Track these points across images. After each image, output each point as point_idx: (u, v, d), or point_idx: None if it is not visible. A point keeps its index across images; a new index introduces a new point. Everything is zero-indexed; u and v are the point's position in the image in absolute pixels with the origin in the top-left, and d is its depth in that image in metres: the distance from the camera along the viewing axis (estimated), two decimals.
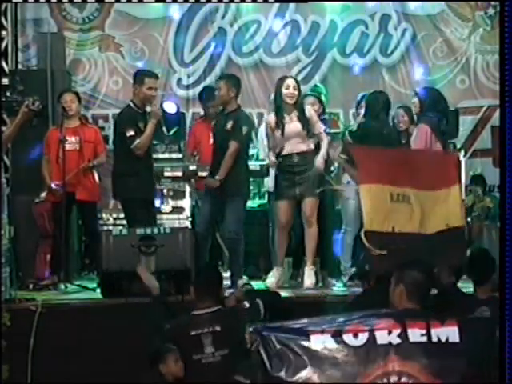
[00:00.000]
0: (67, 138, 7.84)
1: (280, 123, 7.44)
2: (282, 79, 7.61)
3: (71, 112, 8.01)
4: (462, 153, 8.57)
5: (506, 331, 4.50)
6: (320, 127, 7.60)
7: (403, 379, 4.43)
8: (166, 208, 8.81)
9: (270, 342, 4.57)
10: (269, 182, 8.33)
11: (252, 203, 8.88)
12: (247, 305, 5.75)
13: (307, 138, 7.49)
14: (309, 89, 9.82)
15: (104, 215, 9.03)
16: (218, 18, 10.61)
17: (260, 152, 8.96)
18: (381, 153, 6.22)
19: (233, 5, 10.54)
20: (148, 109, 7.56)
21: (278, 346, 4.54)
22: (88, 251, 8.54)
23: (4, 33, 9.58)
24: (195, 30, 10.64)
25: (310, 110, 7.58)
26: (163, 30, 10.58)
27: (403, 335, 4.48)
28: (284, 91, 7.46)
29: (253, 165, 8.46)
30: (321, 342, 4.52)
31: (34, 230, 8.19)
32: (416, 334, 4.49)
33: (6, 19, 9.61)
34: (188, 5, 10.51)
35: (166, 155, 9.10)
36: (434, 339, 4.50)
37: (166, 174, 8.91)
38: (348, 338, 4.52)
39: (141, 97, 7.57)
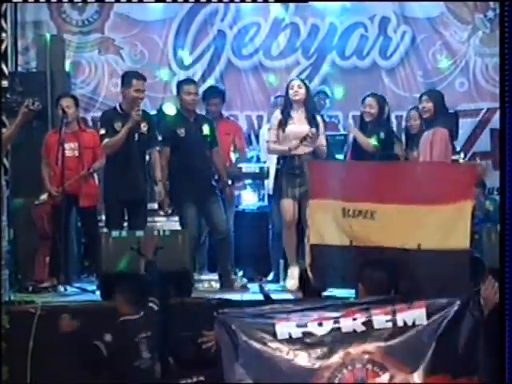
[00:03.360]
0: (66, 142, 7.83)
1: (284, 121, 7.52)
2: (288, 82, 7.75)
3: (69, 118, 7.99)
4: (462, 155, 8.55)
5: (506, 331, 4.50)
6: (322, 139, 7.65)
7: (368, 365, 4.52)
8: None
9: (234, 333, 4.60)
10: (269, 184, 8.34)
11: (252, 205, 8.90)
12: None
13: (312, 140, 7.52)
14: (314, 90, 9.87)
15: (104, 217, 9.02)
16: (218, 20, 10.61)
17: (260, 154, 8.97)
18: (339, 167, 6.19)
19: (232, 7, 10.53)
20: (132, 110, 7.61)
21: (244, 338, 4.58)
22: (87, 253, 8.53)
23: (3, 35, 9.56)
24: (195, 33, 10.65)
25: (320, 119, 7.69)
26: (163, 33, 10.58)
27: (368, 322, 4.55)
28: (290, 91, 7.60)
29: (253, 167, 8.48)
30: (286, 331, 4.57)
31: (34, 233, 8.18)
32: (381, 321, 4.55)
33: (6, 21, 9.58)
34: (187, 7, 10.52)
35: None
36: (400, 324, 4.56)
37: None
38: (313, 326, 4.57)
39: (129, 99, 7.59)
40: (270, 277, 8.34)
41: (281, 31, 10.65)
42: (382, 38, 10.73)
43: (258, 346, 4.58)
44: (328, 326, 4.57)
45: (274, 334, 4.57)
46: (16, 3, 9.51)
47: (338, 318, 4.58)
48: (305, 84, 7.67)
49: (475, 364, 4.57)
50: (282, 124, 7.54)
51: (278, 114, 7.66)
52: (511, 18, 4.63)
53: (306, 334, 4.58)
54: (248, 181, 8.84)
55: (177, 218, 7.99)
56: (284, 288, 7.51)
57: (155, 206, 8.37)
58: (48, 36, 9.57)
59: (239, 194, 8.95)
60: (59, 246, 7.70)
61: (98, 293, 7.14)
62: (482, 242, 7.13)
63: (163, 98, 10.28)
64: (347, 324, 4.56)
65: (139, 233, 7.02)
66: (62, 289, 7.57)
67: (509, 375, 4.51)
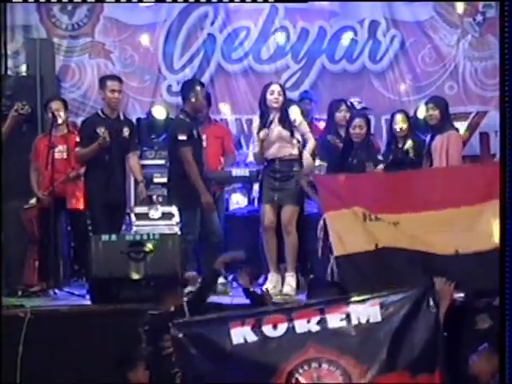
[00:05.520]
0: (56, 146, 7.83)
1: (263, 127, 7.41)
2: (267, 85, 7.57)
3: (59, 121, 7.99)
4: None
5: (506, 332, 4.52)
6: (305, 127, 7.53)
7: (323, 365, 4.56)
8: (155, 214, 8.78)
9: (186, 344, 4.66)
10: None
11: (242, 209, 8.91)
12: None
13: (291, 142, 7.44)
14: (298, 95, 9.88)
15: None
16: (208, 24, 10.63)
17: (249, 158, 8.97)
18: (347, 178, 6.26)
19: (222, 11, 10.55)
20: (114, 114, 7.63)
21: (196, 348, 4.66)
22: (77, 257, 8.52)
23: None
24: (185, 37, 10.65)
25: (294, 112, 7.48)
26: (153, 37, 10.58)
27: (322, 322, 4.61)
28: (269, 97, 7.44)
29: (242, 171, 8.48)
30: (241, 336, 4.62)
31: (23, 237, 8.16)
32: (335, 319, 4.60)
33: None
34: (177, 11, 10.52)
35: (156, 161, 9.10)
36: (355, 322, 4.60)
37: (156, 180, 8.91)
38: (267, 329, 4.62)
39: (106, 101, 7.61)
40: (261, 280, 8.33)
41: (270, 35, 10.67)
42: (372, 41, 10.76)
43: (213, 352, 4.64)
44: (282, 328, 4.62)
45: (230, 340, 4.62)
46: (5, 5, 9.49)
47: (292, 319, 4.63)
48: (284, 92, 7.55)
49: (434, 360, 4.59)
50: (260, 130, 7.40)
51: (255, 124, 7.56)
52: (511, 18, 4.64)
53: (261, 338, 4.63)
54: (238, 184, 8.85)
55: (166, 222, 7.95)
56: (280, 293, 7.49)
57: (145, 209, 8.35)
58: (38, 40, 9.55)
59: (229, 197, 8.97)
60: (49, 250, 7.68)
61: (87, 297, 7.13)
62: None
63: (152, 101, 10.29)
64: (301, 325, 4.61)
65: (129, 237, 7.01)
66: (51, 293, 7.56)
67: (509, 375, 4.52)
